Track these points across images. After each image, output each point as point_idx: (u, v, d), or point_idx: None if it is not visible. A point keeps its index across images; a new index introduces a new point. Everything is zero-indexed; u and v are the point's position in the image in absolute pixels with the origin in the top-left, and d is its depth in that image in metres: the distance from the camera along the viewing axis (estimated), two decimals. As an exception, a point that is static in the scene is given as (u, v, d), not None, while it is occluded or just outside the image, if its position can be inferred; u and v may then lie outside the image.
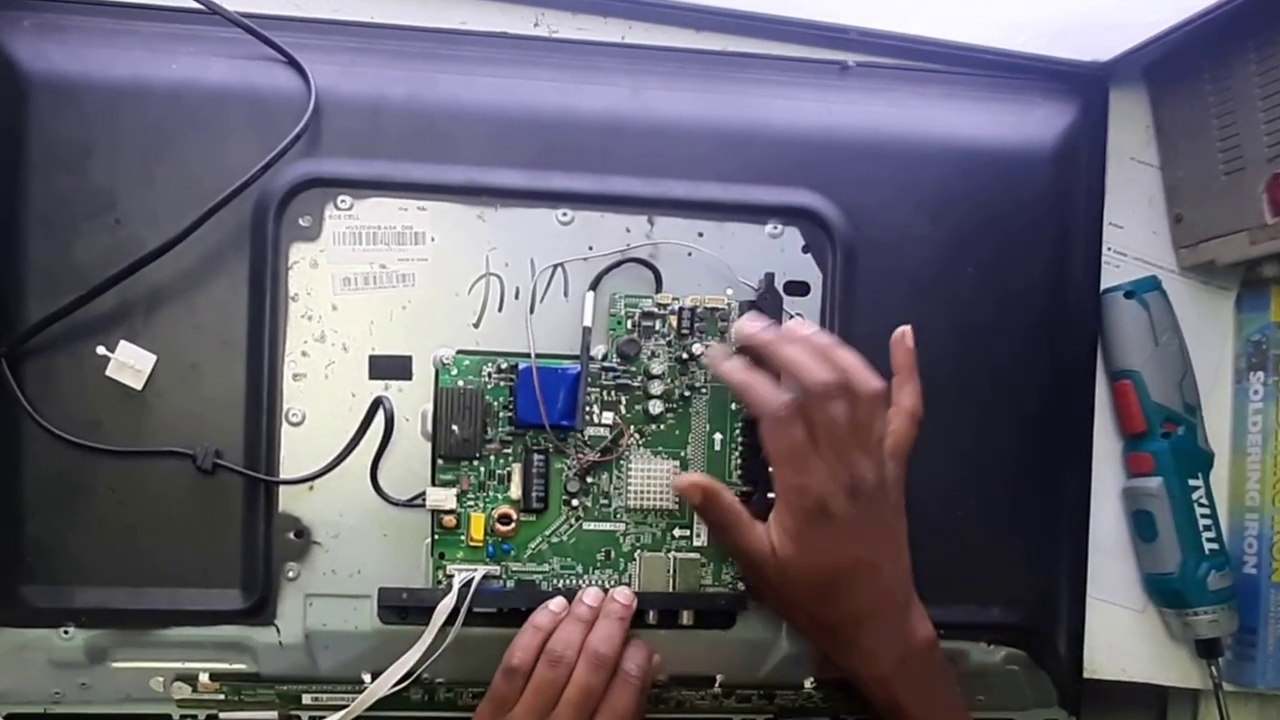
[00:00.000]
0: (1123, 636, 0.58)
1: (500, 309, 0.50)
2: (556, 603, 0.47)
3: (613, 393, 0.50)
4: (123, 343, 0.48)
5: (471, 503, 0.49)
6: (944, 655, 0.49)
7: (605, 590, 0.47)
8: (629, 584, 0.50)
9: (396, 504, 0.49)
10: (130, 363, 0.48)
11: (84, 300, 0.47)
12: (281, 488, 0.49)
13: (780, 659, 0.52)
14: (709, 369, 0.48)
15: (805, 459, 0.42)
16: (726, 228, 0.52)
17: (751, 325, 0.46)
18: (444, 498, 0.48)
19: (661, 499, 0.50)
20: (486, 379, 0.49)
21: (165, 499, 0.48)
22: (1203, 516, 0.56)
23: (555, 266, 0.51)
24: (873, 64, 0.55)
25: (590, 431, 0.50)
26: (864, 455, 0.43)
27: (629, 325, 0.50)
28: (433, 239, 0.50)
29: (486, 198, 0.50)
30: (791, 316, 0.52)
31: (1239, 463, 0.58)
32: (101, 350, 0.48)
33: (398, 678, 0.47)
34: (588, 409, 0.50)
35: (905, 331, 0.47)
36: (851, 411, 0.42)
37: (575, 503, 0.50)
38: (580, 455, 0.49)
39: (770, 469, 0.45)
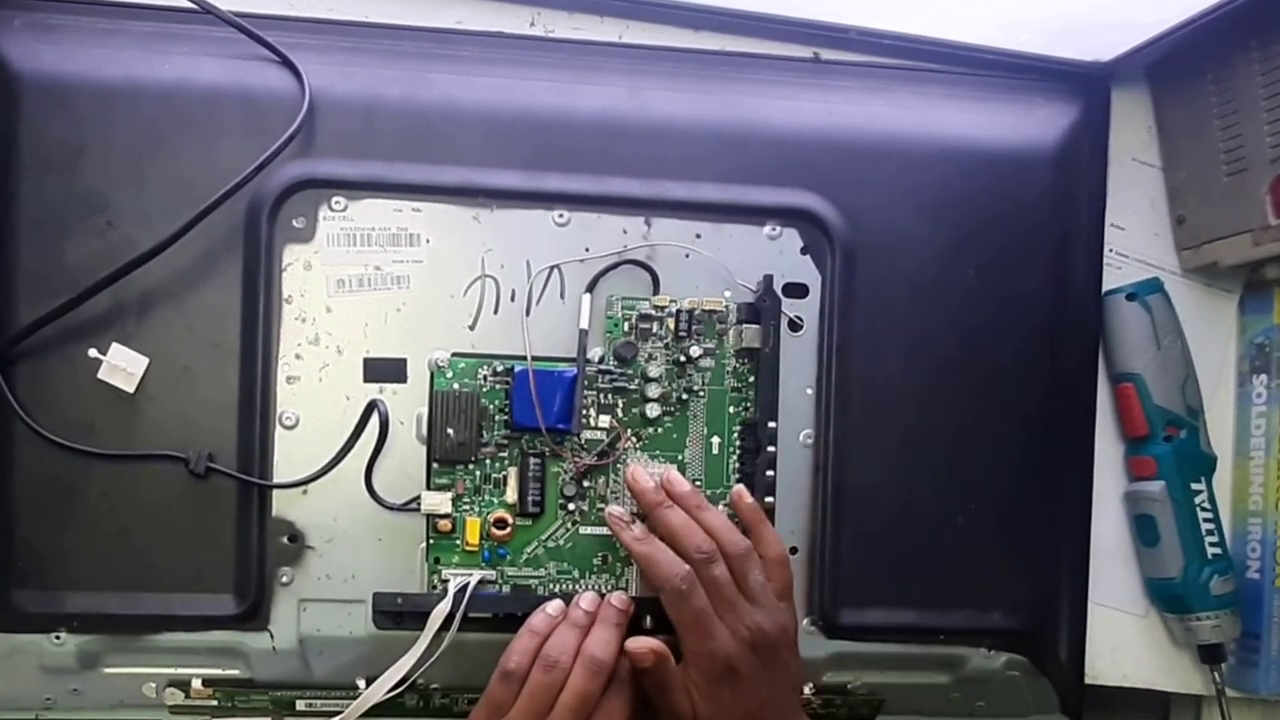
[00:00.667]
0: (1124, 642, 0.58)
1: (496, 311, 0.50)
2: (553, 605, 0.46)
3: (609, 396, 0.50)
4: (115, 345, 0.48)
5: (467, 507, 0.49)
6: None
7: (602, 595, 0.47)
8: (625, 589, 0.50)
9: (391, 508, 0.49)
10: (122, 366, 0.48)
11: (76, 303, 0.46)
12: (275, 492, 0.48)
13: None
14: (610, 531, 0.48)
15: (709, 625, 0.45)
16: (724, 229, 0.51)
17: (642, 482, 0.48)
18: (439, 502, 0.48)
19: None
20: (482, 382, 0.49)
21: (158, 503, 0.48)
22: (1205, 521, 0.56)
23: (551, 268, 0.50)
24: (873, 64, 0.54)
25: (587, 435, 0.50)
26: (756, 607, 0.46)
27: (626, 328, 0.50)
28: (428, 241, 0.49)
29: (482, 199, 0.50)
30: (790, 319, 0.52)
31: (1242, 466, 0.58)
32: (93, 353, 0.47)
33: (392, 683, 0.47)
34: (584, 412, 0.49)
35: (739, 490, 0.50)
36: (731, 571, 0.46)
37: (572, 507, 0.49)
38: (577, 459, 0.49)
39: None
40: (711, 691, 0.45)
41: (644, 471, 0.49)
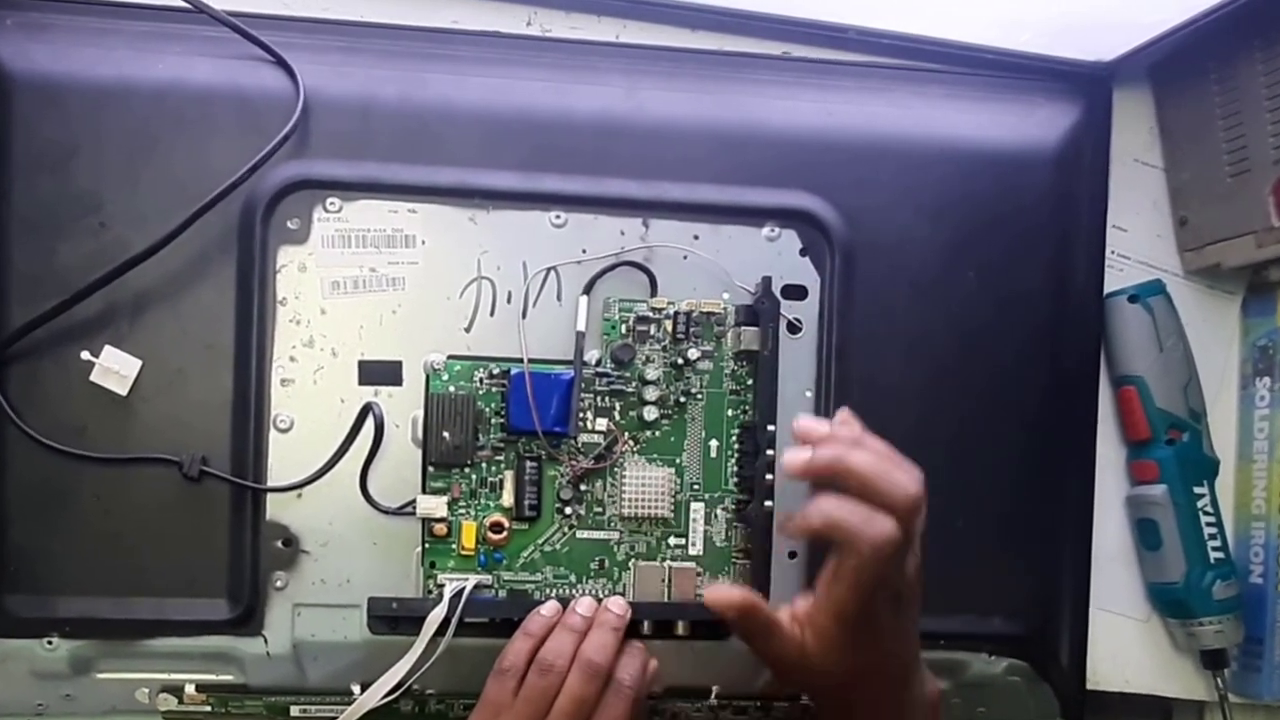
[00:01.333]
0: (1126, 647, 0.57)
1: (492, 313, 0.50)
2: (549, 607, 0.46)
3: (607, 399, 0.49)
4: (107, 348, 0.47)
5: (463, 511, 0.48)
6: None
7: (599, 600, 0.47)
8: (623, 594, 0.49)
9: (386, 512, 0.48)
10: (115, 368, 0.47)
11: (68, 304, 0.46)
12: (269, 495, 0.48)
13: (777, 670, 0.52)
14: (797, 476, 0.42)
15: (875, 580, 0.40)
16: (723, 230, 0.51)
17: (814, 428, 0.42)
18: (435, 506, 0.48)
19: (656, 507, 0.49)
20: (478, 384, 0.48)
21: (151, 507, 0.48)
22: (1208, 525, 0.55)
23: (548, 270, 0.50)
24: (872, 64, 0.54)
25: (584, 438, 0.49)
26: (911, 559, 0.42)
27: (623, 330, 0.50)
28: (423, 242, 0.49)
29: (478, 200, 0.49)
30: (789, 320, 0.51)
31: (1245, 470, 0.58)
32: (86, 355, 0.47)
33: (387, 689, 0.47)
34: (581, 415, 0.49)
35: (841, 416, 0.43)
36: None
37: (568, 511, 0.49)
38: (574, 462, 0.49)
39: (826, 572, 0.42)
40: (843, 642, 0.41)
41: (811, 420, 0.43)
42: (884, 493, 0.40)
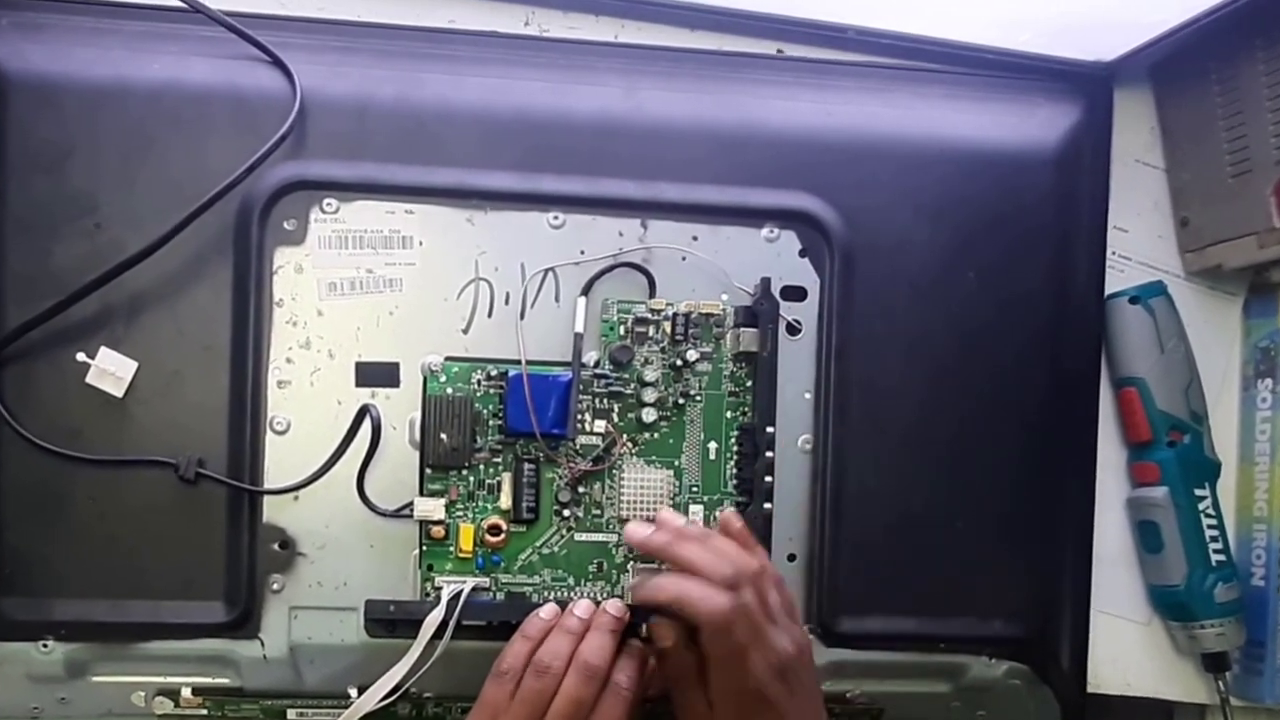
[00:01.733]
0: (1127, 650, 0.57)
1: (490, 315, 0.50)
2: (548, 609, 0.45)
3: (605, 400, 0.49)
4: (103, 349, 0.47)
5: (460, 513, 0.48)
6: None
7: (597, 603, 0.46)
8: (621, 596, 0.49)
9: (383, 514, 0.48)
10: (111, 370, 0.47)
11: (63, 306, 0.46)
12: (266, 498, 0.48)
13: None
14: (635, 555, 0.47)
15: (745, 658, 0.42)
16: (722, 231, 0.51)
17: (639, 532, 0.46)
18: (432, 508, 0.48)
19: (655, 509, 0.49)
20: (476, 386, 0.48)
21: (146, 509, 0.48)
22: (1209, 527, 0.55)
23: (546, 271, 0.50)
24: (872, 64, 0.54)
25: (582, 440, 0.49)
26: (782, 632, 0.44)
27: (622, 331, 0.50)
28: (421, 243, 0.49)
29: (476, 201, 0.49)
30: (789, 322, 0.51)
31: (1246, 472, 0.57)
32: (81, 357, 0.47)
33: (385, 692, 0.47)
34: (579, 417, 0.49)
35: (728, 515, 0.48)
36: (757, 594, 0.43)
37: (567, 513, 0.49)
38: (572, 464, 0.49)
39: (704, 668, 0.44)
40: None
41: (637, 524, 0.47)
42: (710, 572, 0.43)
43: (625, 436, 0.49)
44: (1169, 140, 0.58)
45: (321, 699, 0.49)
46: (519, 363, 0.48)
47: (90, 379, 0.47)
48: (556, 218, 0.50)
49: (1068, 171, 0.54)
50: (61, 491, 0.47)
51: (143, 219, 0.47)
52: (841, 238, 0.52)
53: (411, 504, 0.48)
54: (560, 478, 0.49)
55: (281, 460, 0.48)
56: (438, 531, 0.48)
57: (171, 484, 0.47)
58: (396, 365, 0.49)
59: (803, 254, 0.52)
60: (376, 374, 0.49)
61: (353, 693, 0.48)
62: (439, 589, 0.47)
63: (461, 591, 0.47)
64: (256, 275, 0.48)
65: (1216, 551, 0.55)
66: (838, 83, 0.53)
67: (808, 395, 0.52)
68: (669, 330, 0.50)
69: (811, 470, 0.52)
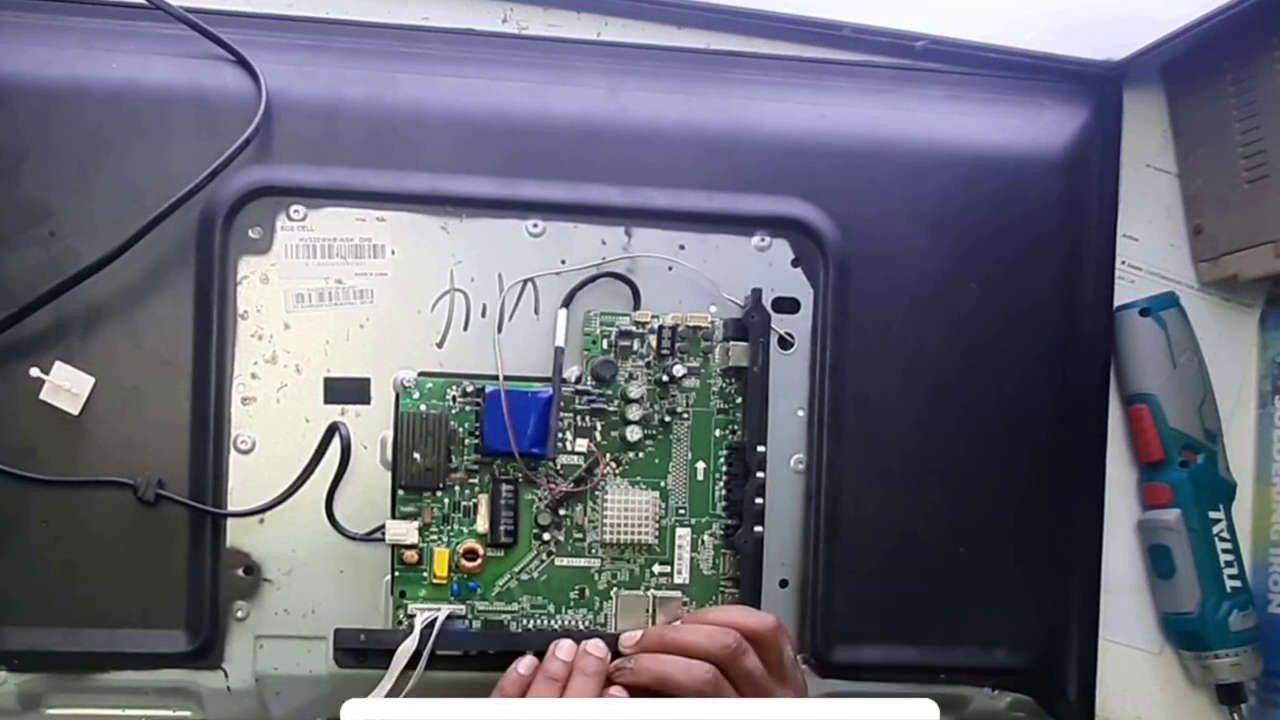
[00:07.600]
0: (1138, 681, 0.57)
1: (466, 327, 0.49)
2: (525, 664, 0.45)
3: (587, 418, 0.48)
4: (58, 364, 0.47)
5: (435, 537, 0.47)
6: None
7: (578, 642, 0.46)
8: (605, 624, 0.48)
9: (354, 538, 0.48)
10: (66, 386, 0.47)
11: (15, 319, 0.46)
12: (229, 520, 0.48)
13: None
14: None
15: None
16: (710, 240, 0.51)
17: (629, 637, 0.46)
18: (405, 531, 0.47)
19: (640, 532, 0.48)
20: (451, 403, 0.48)
21: (104, 532, 0.47)
22: (1224, 552, 0.54)
23: (525, 281, 0.49)
24: (869, 63, 0.54)
25: (563, 460, 0.48)
26: (786, 689, 0.45)
27: (605, 345, 0.49)
28: (393, 252, 0.49)
29: (451, 207, 0.49)
30: (781, 335, 0.51)
31: (1263, 494, 0.57)
32: (35, 372, 0.46)
33: (354, 726, 0.46)
34: (560, 436, 0.48)
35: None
36: (763, 657, 0.44)
37: (547, 537, 0.48)
38: (552, 485, 0.48)
39: None
40: None
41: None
42: (696, 651, 0.44)
43: (609, 456, 0.49)
44: (1182, 144, 0.57)
45: (288, 732, 0.48)
46: (496, 378, 0.47)
47: (44, 395, 0.46)
48: (536, 225, 0.49)
49: (1075, 177, 0.54)
50: (14, 514, 0.46)
51: (100, 227, 0.46)
52: (836, 246, 0.51)
53: (383, 527, 0.47)
54: (540, 499, 0.48)
55: (246, 481, 0.48)
56: (411, 556, 0.47)
57: (130, 506, 0.47)
58: (367, 381, 0.48)
59: (795, 264, 0.51)
60: (346, 390, 0.48)
61: (321, 726, 0.48)
62: (412, 617, 0.47)
63: (436, 619, 0.46)
64: (220, 286, 0.47)
65: (1232, 577, 0.54)
66: (833, 83, 0.53)
67: (801, 413, 0.51)
68: (654, 344, 0.49)
69: (805, 492, 0.51)
